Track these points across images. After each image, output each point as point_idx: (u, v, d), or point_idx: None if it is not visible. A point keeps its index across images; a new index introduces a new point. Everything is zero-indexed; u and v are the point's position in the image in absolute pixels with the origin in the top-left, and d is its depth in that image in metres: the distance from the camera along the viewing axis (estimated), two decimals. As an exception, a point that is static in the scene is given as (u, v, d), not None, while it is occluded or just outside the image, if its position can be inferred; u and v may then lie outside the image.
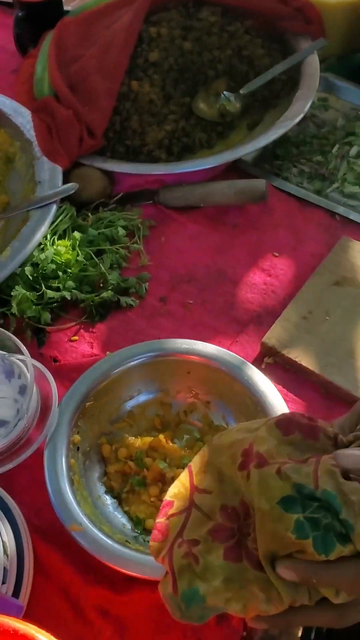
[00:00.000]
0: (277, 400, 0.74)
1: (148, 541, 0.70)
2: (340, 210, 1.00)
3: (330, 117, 1.13)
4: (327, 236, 0.97)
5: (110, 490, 0.75)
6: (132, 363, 0.78)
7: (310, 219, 0.99)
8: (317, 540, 0.38)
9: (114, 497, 0.75)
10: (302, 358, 0.82)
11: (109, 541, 0.66)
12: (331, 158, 1.06)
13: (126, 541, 0.69)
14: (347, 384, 0.79)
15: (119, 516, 0.73)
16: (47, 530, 0.71)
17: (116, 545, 0.66)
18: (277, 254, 0.94)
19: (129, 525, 0.73)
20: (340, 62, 1.20)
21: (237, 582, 0.39)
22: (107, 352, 0.84)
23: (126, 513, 0.74)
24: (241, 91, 1.09)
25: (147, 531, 0.72)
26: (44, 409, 0.75)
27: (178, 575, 0.41)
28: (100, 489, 0.75)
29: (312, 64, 1.09)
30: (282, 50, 1.12)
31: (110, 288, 0.89)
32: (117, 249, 0.93)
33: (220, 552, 0.40)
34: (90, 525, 0.66)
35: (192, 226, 0.97)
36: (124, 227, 0.95)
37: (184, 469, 0.73)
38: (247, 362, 0.77)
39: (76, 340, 0.88)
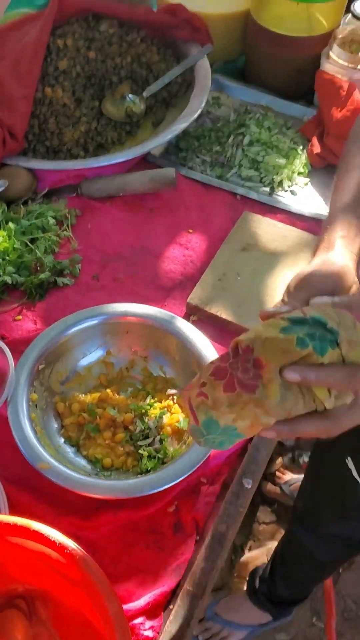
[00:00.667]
0: (205, 345, 0.87)
1: (107, 476, 0.81)
2: (240, 190, 1.15)
3: (223, 113, 1.29)
4: (231, 212, 1.11)
5: (68, 440, 0.85)
6: (76, 328, 0.89)
7: (216, 200, 1.14)
8: (316, 346, 0.51)
9: (72, 445, 0.85)
10: (222, 312, 0.95)
11: (75, 474, 0.76)
12: (228, 147, 1.21)
13: (89, 476, 0.79)
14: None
15: (79, 460, 0.83)
16: (18, 477, 0.80)
17: (81, 476, 0.76)
18: (191, 231, 1.08)
19: (89, 466, 0.83)
20: (227, 65, 1.36)
21: (237, 405, 0.52)
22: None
23: (85, 457, 0.84)
24: (144, 94, 1.22)
25: (106, 468, 0.83)
26: (2, 374, 0.84)
27: (196, 410, 0.54)
28: (60, 440, 0.85)
29: (204, 67, 1.24)
30: (175, 55, 1.27)
31: (47, 270, 0.99)
32: (49, 236, 1.03)
33: (221, 387, 0.53)
34: (56, 463, 0.76)
35: (114, 212, 1.09)
36: (53, 217, 1.05)
37: (132, 413, 0.85)
38: (176, 316, 0.89)
39: (20, 319, 0.97)
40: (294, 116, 1.29)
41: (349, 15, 1.22)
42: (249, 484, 0.80)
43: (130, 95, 1.22)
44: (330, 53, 1.20)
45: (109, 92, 1.22)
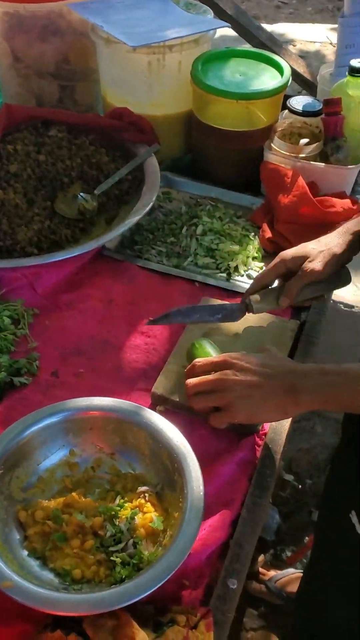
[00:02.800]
0: (175, 435, 0.82)
1: (78, 590, 0.73)
2: (198, 278, 1.16)
3: (174, 206, 1.32)
4: (190, 299, 1.11)
5: (33, 552, 0.77)
6: (35, 428, 0.84)
7: (174, 288, 1.13)
8: None
9: (37, 557, 0.77)
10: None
11: (42, 590, 0.68)
12: (182, 238, 1.23)
13: (57, 591, 0.71)
14: (231, 413, 0.90)
15: (46, 573, 0.75)
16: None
17: (49, 592, 0.68)
18: (152, 319, 1.06)
19: (56, 580, 0.75)
20: (174, 162, 1.41)
21: None
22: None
23: (52, 570, 0.76)
24: (95, 192, 1.24)
25: (76, 581, 0.75)
26: None
27: None
28: (23, 553, 0.77)
29: (152, 165, 1.28)
30: (124, 155, 1.31)
31: (2, 370, 0.95)
32: (4, 335, 1.00)
33: None
34: (20, 580, 0.69)
35: (73, 307, 1.07)
36: (8, 317, 1.02)
37: (101, 517, 0.79)
38: (143, 407, 0.85)
39: (-24, 424, 0.91)
40: (244, 205, 1.32)
41: (286, 111, 1.29)
42: (234, 584, 0.74)
43: (82, 194, 1.24)
44: (273, 145, 1.26)
45: (61, 192, 1.24)
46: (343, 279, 1.03)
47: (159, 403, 0.94)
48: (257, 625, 1.62)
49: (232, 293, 1.13)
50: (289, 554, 1.75)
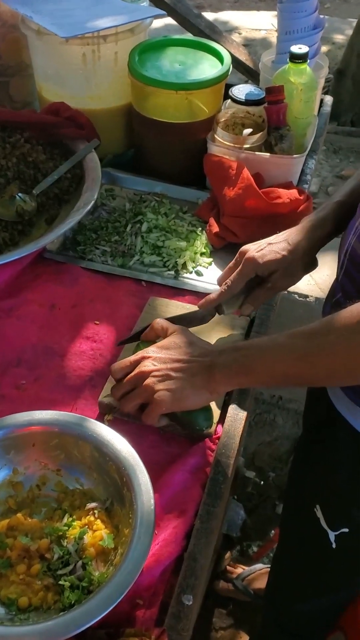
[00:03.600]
0: (123, 446, 0.78)
1: (25, 620, 0.69)
2: (145, 277, 1.11)
3: (118, 204, 1.27)
4: (137, 299, 1.07)
5: (-26, 582, 0.72)
6: (-26, 449, 0.79)
7: (120, 289, 1.09)
8: None
9: (-20, 587, 0.72)
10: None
11: (-17, 626, 0.64)
12: (126, 236, 1.18)
13: (2, 623, 0.67)
14: (181, 419, 0.86)
15: (-10, 604, 0.71)
16: None
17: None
18: (97, 322, 1.02)
19: (2, 610, 0.70)
20: (116, 158, 1.36)
21: None
22: None
23: (-3, 599, 0.71)
24: (34, 191, 1.19)
25: (22, 610, 0.70)
26: None
27: None
28: (-35, 583, 0.72)
29: (93, 161, 1.23)
30: (63, 153, 1.25)
31: None
32: None
33: None
34: None
35: (13, 314, 1.01)
36: None
37: (47, 538, 0.74)
38: (87, 418, 0.81)
39: None
40: (189, 200, 1.29)
41: (229, 100, 1.25)
42: (189, 600, 0.70)
43: (19, 195, 1.18)
44: (216, 136, 1.22)
45: None
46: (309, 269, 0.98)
47: (107, 412, 0.90)
48: (227, 624, 1.60)
49: (180, 291, 1.09)
50: (255, 549, 1.73)
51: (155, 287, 1.10)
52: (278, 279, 0.93)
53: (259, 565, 1.60)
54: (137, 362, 0.83)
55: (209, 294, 1.02)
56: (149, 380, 0.80)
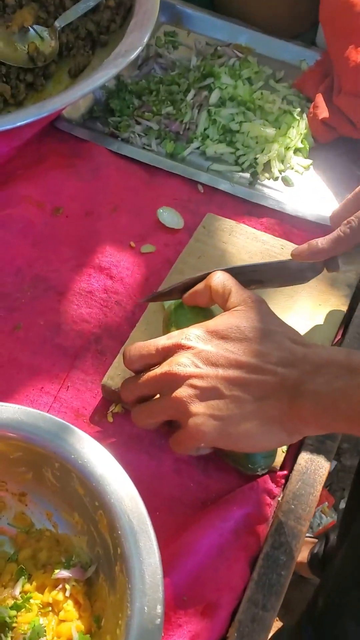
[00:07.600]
0: (125, 487, 0.45)
1: None
2: (204, 178, 0.74)
3: (181, 57, 0.88)
4: (187, 213, 0.70)
5: None
6: None
7: (164, 192, 0.72)
8: None
9: None
10: (163, 402, 0.54)
11: None
12: (186, 109, 0.79)
13: None
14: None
15: None
16: None
17: None
18: (133, 244, 0.66)
19: None
20: (188, -15, 0.93)
21: None
22: None
23: None
24: (56, 24, 0.81)
25: None
26: None
27: None
28: None
29: (149, -17, 0.81)
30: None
31: None
32: None
33: None
34: None
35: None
36: None
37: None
38: (70, 427, 0.48)
39: None
40: (288, 62, 0.90)
41: None
42: None
43: (34, 26, 0.81)
44: None
45: (1, 21, 0.80)
46: None
47: (113, 400, 0.56)
48: None
49: (256, 208, 0.71)
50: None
51: (217, 196, 0.73)
52: None
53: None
54: (169, 351, 0.48)
55: (301, 218, 0.64)
56: (182, 392, 0.46)
